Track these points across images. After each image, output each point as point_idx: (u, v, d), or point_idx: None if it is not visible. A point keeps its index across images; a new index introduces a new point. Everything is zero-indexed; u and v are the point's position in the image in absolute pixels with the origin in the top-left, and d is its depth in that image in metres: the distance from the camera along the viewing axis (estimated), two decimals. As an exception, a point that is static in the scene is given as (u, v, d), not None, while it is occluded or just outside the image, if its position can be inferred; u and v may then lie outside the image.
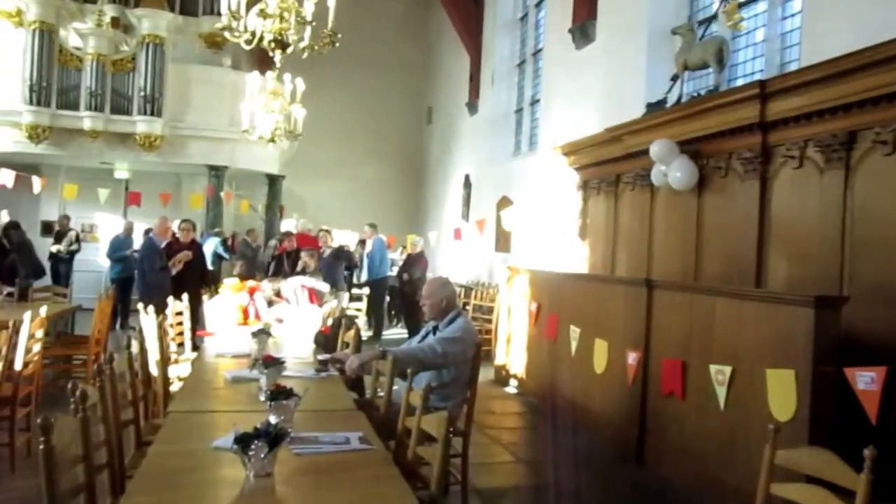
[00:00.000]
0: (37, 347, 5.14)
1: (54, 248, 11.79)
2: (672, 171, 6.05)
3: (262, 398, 3.03)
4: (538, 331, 7.21)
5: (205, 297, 7.45)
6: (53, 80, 11.49)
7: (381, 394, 3.96)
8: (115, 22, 12.38)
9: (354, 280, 11.67)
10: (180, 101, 12.18)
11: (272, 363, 3.80)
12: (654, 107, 6.67)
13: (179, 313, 6.57)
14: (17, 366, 4.77)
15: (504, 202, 10.87)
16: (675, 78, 6.62)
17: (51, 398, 6.61)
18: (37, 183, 11.33)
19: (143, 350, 4.25)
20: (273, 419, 2.66)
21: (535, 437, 6.14)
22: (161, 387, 4.70)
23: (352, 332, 5.01)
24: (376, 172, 16.56)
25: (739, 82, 6.21)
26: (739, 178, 5.64)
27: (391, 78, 16.63)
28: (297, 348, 5.41)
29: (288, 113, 9.97)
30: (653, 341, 5.18)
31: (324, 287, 7.27)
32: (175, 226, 8.66)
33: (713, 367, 4.43)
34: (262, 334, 4.99)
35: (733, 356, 4.33)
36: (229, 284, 6.38)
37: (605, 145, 7.39)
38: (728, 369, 4.32)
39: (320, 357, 4.57)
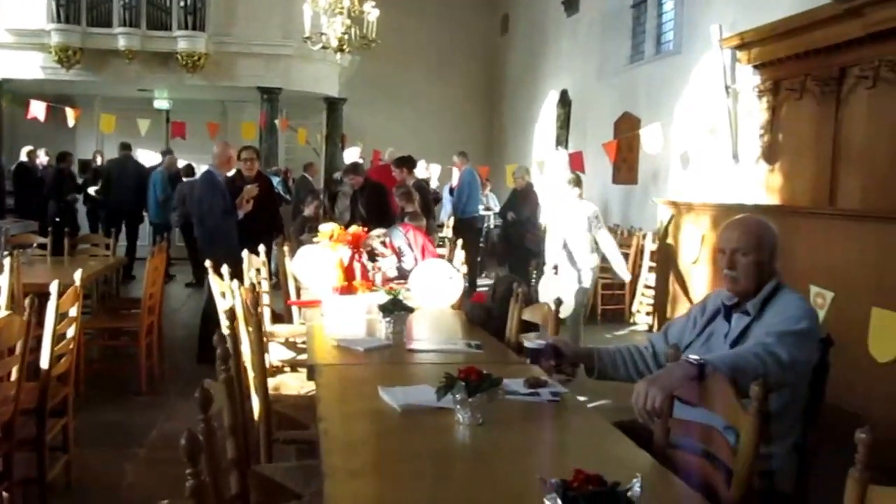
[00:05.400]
0: (72, 331, 3.49)
1: (91, 190, 10.09)
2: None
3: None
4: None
5: (279, 248, 5.74)
6: (82, -9, 9.75)
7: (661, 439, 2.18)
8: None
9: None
10: (226, 11, 10.50)
11: (480, 385, 2.08)
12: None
13: (257, 271, 4.87)
14: (44, 362, 3.16)
15: (627, 121, 8.85)
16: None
17: (94, 392, 4.95)
18: (70, 115, 9.81)
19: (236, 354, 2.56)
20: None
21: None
22: (262, 418, 2.94)
23: (545, 311, 3.21)
24: (444, 95, 14.52)
25: None
26: None
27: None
28: (442, 329, 3.69)
29: (358, 13, 8.16)
30: None
31: None
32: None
33: None
34: (398, 310, 3.30)
35: None
36: (325, 231, 4.63)
37: (824, 27, 5.35)
38: None
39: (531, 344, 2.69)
